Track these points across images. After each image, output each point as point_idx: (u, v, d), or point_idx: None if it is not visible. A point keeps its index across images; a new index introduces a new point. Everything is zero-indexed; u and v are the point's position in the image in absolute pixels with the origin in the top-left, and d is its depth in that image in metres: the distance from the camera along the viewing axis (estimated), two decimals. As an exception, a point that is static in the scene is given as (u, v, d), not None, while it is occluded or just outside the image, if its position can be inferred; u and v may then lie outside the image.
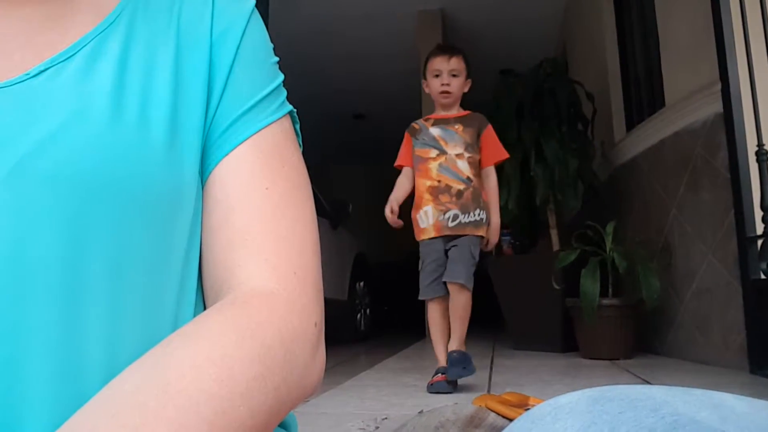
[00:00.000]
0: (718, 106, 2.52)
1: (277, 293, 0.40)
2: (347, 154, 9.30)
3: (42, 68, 0.39)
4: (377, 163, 9.58)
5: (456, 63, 2.29)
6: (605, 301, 2.86)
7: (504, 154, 2.34)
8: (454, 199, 2.19)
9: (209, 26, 0.46)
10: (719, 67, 2.46)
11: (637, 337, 3.02)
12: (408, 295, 6.93)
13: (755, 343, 2.28)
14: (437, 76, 2.30)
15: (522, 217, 3.55)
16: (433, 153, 2.25)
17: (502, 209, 3.59)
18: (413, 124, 2.40)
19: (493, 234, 2.26)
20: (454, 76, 2.29)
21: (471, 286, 2.16)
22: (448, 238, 2.20)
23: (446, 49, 2.36)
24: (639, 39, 3.69)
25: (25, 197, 0.34)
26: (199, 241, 0.44)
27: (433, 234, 2.22)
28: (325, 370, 0.43)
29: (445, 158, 2.23)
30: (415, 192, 2.31)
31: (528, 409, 0.35)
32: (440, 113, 2.36)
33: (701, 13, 2.62)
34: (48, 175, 0.35)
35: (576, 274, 2.88)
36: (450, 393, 2.04)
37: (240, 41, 0.46)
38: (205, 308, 0.44)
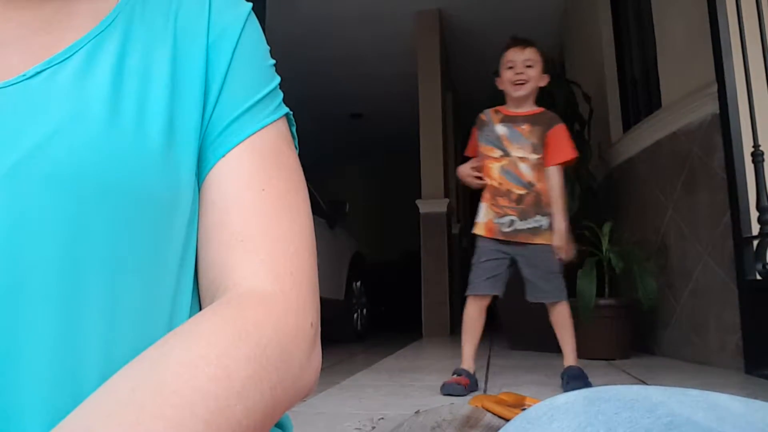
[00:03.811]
0: (714, 107, 2.53)
1: (273, 294, 0.40)
2: (345, 154, 9.31)
3: (39, 69, 0.39)
4: (375, 163, 9.64)
5: (531, 53, 2.18)
6: (602, 302, 2.87)
7: (570, 153, 2.17)
8: (513, 204, 2.10)
9: (206, 29, 0.46)
10: (715, 68, 2.46)
11: (634, 337, 3.03)
12: (405, 295, 6.96)
13: (751, 343, 2.29)
14: (511, 67, 2.18)
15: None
16: (497, 153, 2.16)
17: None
18: (481, 115, 2.27)
19: (558, 239, 2.09)
20: (528, 66, 2.17)
21: (564, 296, 2.10)
22: (511, 245, 2.11)
23: (520, 40, 2.23)
24: (636, 40, 3.70)
25: (23, 198, 0.34)
26: (196, 242, 0.44)
27: (484, 233, 2.14)
28: (322, 370, 0.43)
29: (508, 160, 2.13)
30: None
31: (524, 409, 0.35)
32: (511, 109, 2.23)
33: (698, 15, 2.63)
34: (45, 177, 0.35)
35: (572, 274, 2.88)
36: (462, 396, 1.96)
37: (236, 44, 0.46)
38: (200, 309, 0.44)
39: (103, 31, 0.42)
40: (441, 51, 5.34)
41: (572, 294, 2.86)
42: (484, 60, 5.91)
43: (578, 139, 3.57)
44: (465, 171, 2.23)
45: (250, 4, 0.50)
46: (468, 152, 2.32)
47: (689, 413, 0.29)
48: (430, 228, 5.00)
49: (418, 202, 5.07)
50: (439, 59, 5.27)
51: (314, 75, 6.33)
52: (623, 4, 3.87)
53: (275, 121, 0.47)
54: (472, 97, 6.66)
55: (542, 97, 3.53)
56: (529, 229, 2.09)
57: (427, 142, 5.18)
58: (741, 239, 2.35)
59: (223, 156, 0.44)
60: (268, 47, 0.51)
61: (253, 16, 0.50)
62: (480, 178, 2.18)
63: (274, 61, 0.51)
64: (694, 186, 2.74)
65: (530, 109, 2.22)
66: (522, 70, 2.17)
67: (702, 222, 2.68)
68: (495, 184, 2.14)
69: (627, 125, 3.70)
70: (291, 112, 0.50)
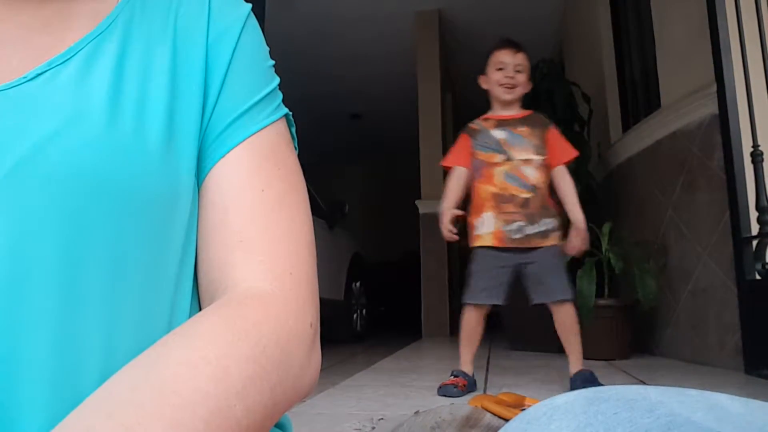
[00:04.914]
0: (713, 108, 2.53)
1: (273, 294, 0.40)
2: (345, 154, 9.31)
3: (39, 71, 0.39)
4: (374, 163, 9.64)
5: (522, 58, 2.15)
6: (601, 302, 2.87)
7: (573, 152, 2.14)
8: (519, 209, 2.04)
9: (205, 30, 0.46)
10: (715, 68, 2.46)
11: (633, 337, 3.03)
12: (405, 295, 6.96)
13: (750, 343, 2.29)
14: (500, 69, 2.15)
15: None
16: (499, 158, 2.08)
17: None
18: (470, 125, 2.21)
19: (576, 232, 2.03)
20: (518, 71, 2.14)
21: (572, 295, 2.03)
22: (518, 253, 2.05)
23: (513, 43, 2.19)
24: (635, 40, 3.70)
25: (23, 199, 0.34)
26: (195, 242, 0.44)
27: (491, 242, 2.06)
28: (322, 370, 0.43)
29: (511, 165, 2.07)
30: (473, 196, 2.14)
31: (524, 409, 0.35)
32: (500, 113, 2.18)
33: (697, 15, 2.63)
34: (45, 177, 0.35)
35: (572, 275, 2.87)
36: (459, 397, 1.96)
37: (236, 45, 0.47)
38: (200, 309, 0.44)
39: (103, 32, 0.42)
40: (441, 51, 5.34)
41: (572, 294, 2.87)
42: (483, 60, 5.91)
43: (578, 139, 3.58)
44: (446, 225, 2.10)
45: (250, 5, 0.50)
46: (451, 161, 2.18)
47: (688, 413, 0.29)
48: (429, 228, 4.99)
49: (417, 202, 5.07)
50: (439, 59, 5.28)
51: (314, 75, 6.33)
52: (623, 4, 3.87)
53: (275, 121, 0.47)
54: (471, 97, 6.64)
55: (541, 97, 3.55)
56: (539, 233, 2.04)
57: (426, 142, 5.18)
58: (740, 239, 2.35)
59: (223, 156, 0.44)
60: (268, 48, 0.51)
61: (253, 17, 0.50)
62: (456, 234, 2.12)
63: (273, 62, 0.51)
64: (693, 186, 2.74)
65: (520, 111, 2.18)
66: (512, 74, 2.14)
67: (701, 222, 2.68)
68: (497, 191, 2.06)
69: (626, 125, 3.70)
70: (290, 113, 0.50)
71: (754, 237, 2.31)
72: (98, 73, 0.40)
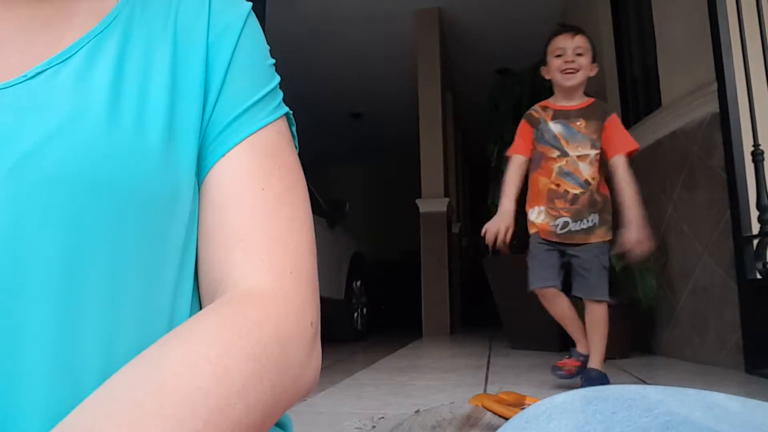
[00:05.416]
0: (714, 107, 2.53)
1: (273, 293, 0.40)
2: (345, 153, 9.31)
3: (39, 70, 0.39)
4: (375, 163, 9.64)
5: (581, 41, 2.07)
6: (601, 301, 2.86)
7: (633, 144, 2.08)
8: (568, 205, 2.03)
9: (206, 28, 0.46)
10: (715, 67, 2.46)
11: (633, 336, 3.03)
12: (405, 294, 6.97)
13: (751, 342, 2.29)
14: (559, 55, 2.07)
15: (518, 216, 3.55)
16: (555, 153, 2.06)
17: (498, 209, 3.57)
18: (531, 111, 2.16)
19: (635, 232, 1.91)
20: (579, 54, 2.07)
21: (607, 297, 2.02)
22: (562, 246, 2.05)
23: (569, 27, 2.13)
24: (636, 39, 3.70)
25: (23, 198, 0.34)
26: (196, 241, 0.44)
27: (539, 233, 2.08)
28: (322, 369, 0.43)
29: (566, 161, 2.04)
30: (531, 186, 2.11)
31: (524, 408, 0.35)
32: (560, 102, 2.12)
33: (698, 14, 2.63)
34: (45, 176, 0.35)
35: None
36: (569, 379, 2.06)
37: (236, 43, 0.47)
38: (201, 308, 0.44)
39: (103, 30, 0.42)
40: (441, 50, 5.33)
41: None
42: (483, 59, 5.92)
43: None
44: (496, 235, 2.03)
45: (250, 4, 0.50)
46: (515, 149, 2.14)
47: (687, 412, 0.29)
48: (430, 227, 5.00)
49: (418, 201, 5.07)
50: (439, 59, 5.27)
51: (314, 74, 6.33)
52: (623, 4, 3.87)
53: (275, 120, 0.47)
54: (472, 96, 6.66)
55: (542, 95, 3.55)
56: (583, 230, 2.03)
57: (426, 141, 5.18)
58: (741, 238, 2.35)
59: (223, 155, 0.44)
60: (268, 47, 0.51)
61: (253, 16, 0.50)
62: (511, 242, 2.05)
63: (273, 61, 0.51)
64: (694, 185, 2.74)
65: (581, 101, 2.12)
66: (573, 58, 2.07)
67: (702, 221, 2.68)
68: (552, 186, 2.05)
69: (627, 124, 3.68)
70: (291, 112, 0.50)
71: (755, 236, 2.31)
72: (99, 72, 0.40)
